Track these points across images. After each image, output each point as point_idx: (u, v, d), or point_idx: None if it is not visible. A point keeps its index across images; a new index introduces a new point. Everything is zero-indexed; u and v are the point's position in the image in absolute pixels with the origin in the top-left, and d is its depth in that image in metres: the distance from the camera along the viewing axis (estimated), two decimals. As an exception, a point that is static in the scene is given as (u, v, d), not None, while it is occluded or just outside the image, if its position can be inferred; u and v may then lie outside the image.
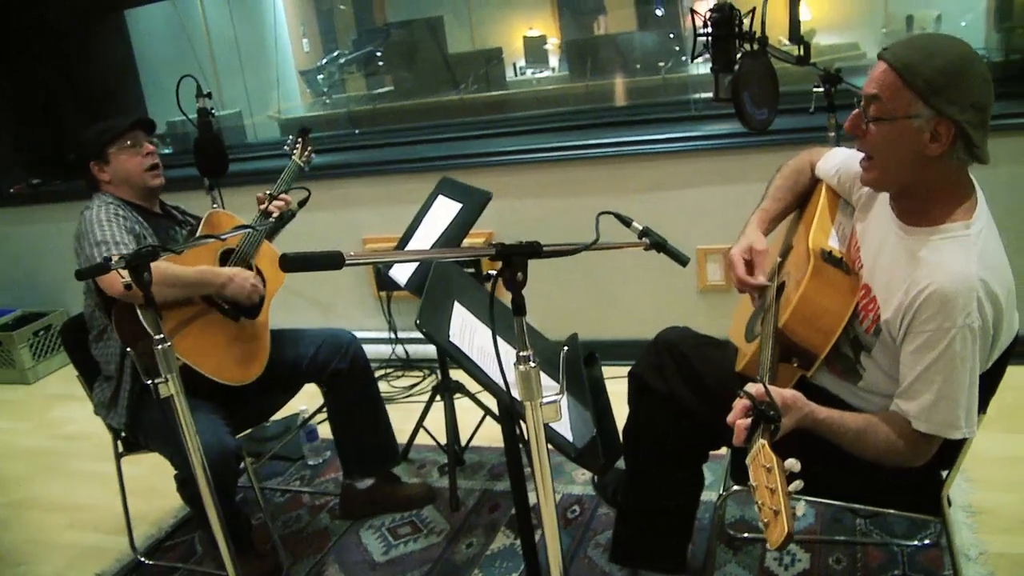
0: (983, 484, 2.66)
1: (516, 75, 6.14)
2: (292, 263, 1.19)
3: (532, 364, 1.42)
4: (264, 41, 5.94)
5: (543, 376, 1.49)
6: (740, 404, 1.50)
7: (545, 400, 1.45)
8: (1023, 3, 3.89)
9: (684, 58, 4.84)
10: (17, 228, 5.10)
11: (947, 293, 1.58)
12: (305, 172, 2.93)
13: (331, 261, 1.25)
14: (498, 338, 1.50)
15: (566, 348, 1.56)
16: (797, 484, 1.24)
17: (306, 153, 2.96)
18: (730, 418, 1.51)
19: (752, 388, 1.51)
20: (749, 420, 1.45)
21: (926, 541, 2.45)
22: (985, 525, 2.51)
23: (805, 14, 5.01)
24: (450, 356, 1.67)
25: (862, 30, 5.13)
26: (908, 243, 1.70)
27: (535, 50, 6.44)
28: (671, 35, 5.04)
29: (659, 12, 5.14)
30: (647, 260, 3.84)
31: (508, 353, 1.53)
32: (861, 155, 1.75)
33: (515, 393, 1.48)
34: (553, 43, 6.26)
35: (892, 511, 1.97)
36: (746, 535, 2.58)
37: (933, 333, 1.60)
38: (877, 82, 1.62)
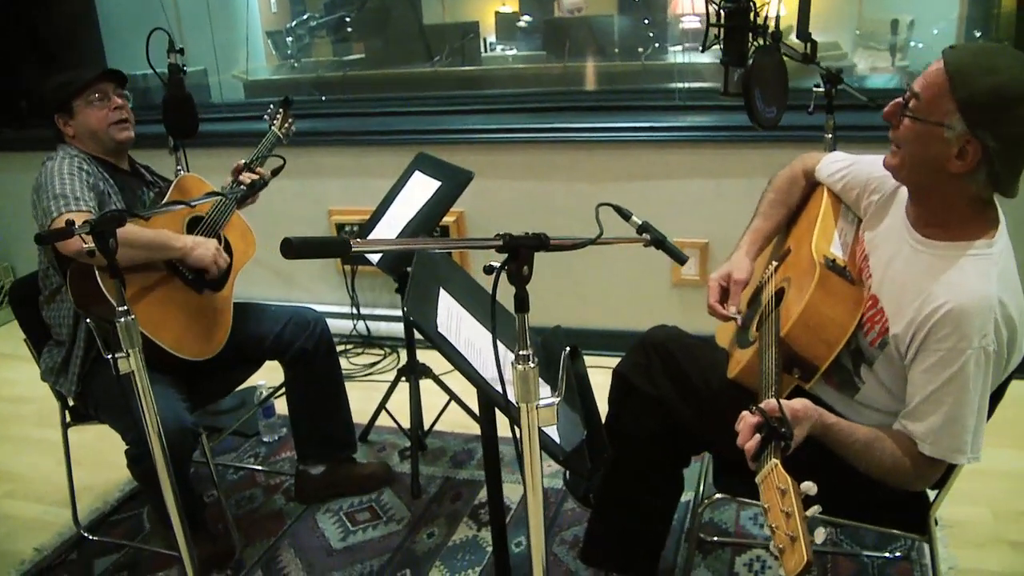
0: (953, 497, 2.58)
1: (487, 51, 6.03)
2: (296, 249, 1.07)
3: (532, 364, 1.33)
4: (234, -2, 5.75)
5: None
6: (750, 422, 1.43)
7: (542, 403, 1.37)
8: (1008, 15, 3.87)
9: (659, 44, 4.78)
10: (-35, 176, 4.87)
11: (965, 312, 1.52)
12: (283, 143, 2.81)
13: (337, 248, 1.14)
14: (481, 329, 1.41)
15: (567, 349, 1.48)
16: (815, 509, 1.17)
17: (287, 124, 2.85)
18: (740, 440, 1.43)
19: (764, 404, 1.44)
20: (759, 438, 1.38)
21: (897, 554, 2.42)
22: (955, 539, 2.50)
23: (782, 10, 4.97)
24: (438, 349, 1.58)
25: (838, 30, 5.11)
26: (924, 256, 1.64)
27: (507, 26, 6.33)
28: (645, 20, 4.97)
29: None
30: (621, 251, 3.79)
31: (501, 350, 1.45)
32: (872, 160, 1.68)
33: (509, 392, 1.39)
34: (526, 19, 6.16)
35: (878, 528, 1.92)
36: (715, 538, 2.53)
37: (947, 352, 1.55)
38: (926, 79, 1.54)
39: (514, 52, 5.85)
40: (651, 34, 4.91)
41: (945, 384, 1.56)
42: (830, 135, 2.51)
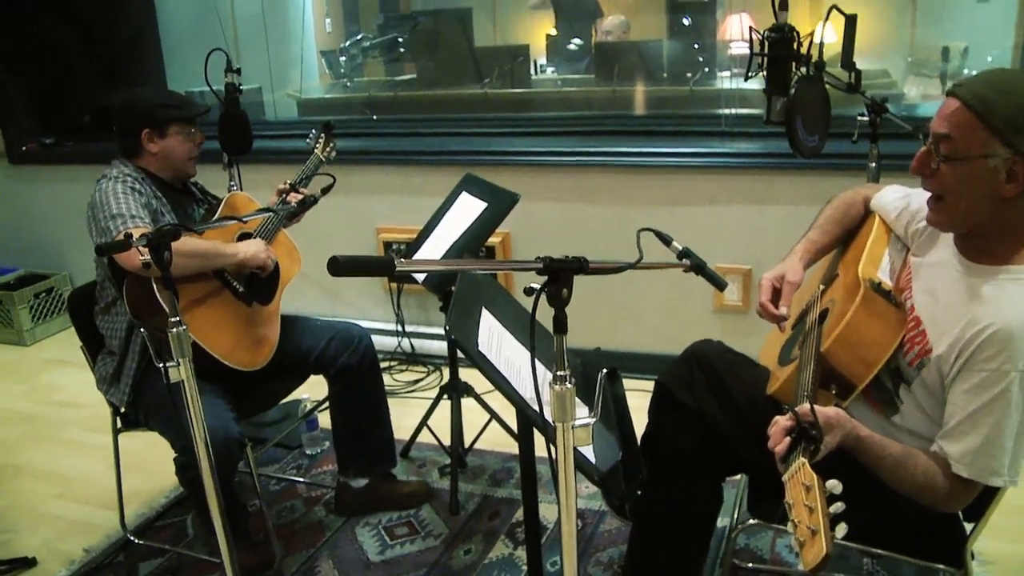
0: (993, 532, 2.58)
1: (536, 73, 6.09)
2: (341, 267, 1.12)
3: (569, 385, 1.36)
4: (287, 17, 5.87)
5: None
6: (783, 424, 1.45)
7: (578, 423, 1.40)
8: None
9: (708, 70, 4.80)
10: (26, 187, 5.02)
11: (1012, 334, 1.53)
12: (325, 165, 2.89)
13: (382, 267, 1.18)
14: (521, 349, 1.44)
15: (604, 371, 1.51)
16: (838, 506, 1.18)
17: (328, 148, 2.92)
18: (771, 443, 1.45)
19: (797, 408, 1.46)
20: (789, 440, 1.41)
21: (935, 587, 2.39)
22: (995, 575, 2.46)
23: (831, 36, 4.97)
24: (478, 367, 1.61)
25: (890, 58, 5.09)
26: (970, 279, 1.65)
27: (557, 49, 6.40)
28: (695, 45, 4.99)
29: (686, 22, 5.09)
30: (664, 275, 3.81)
31: (540, 370, 1.48)
32: (924, 193, 1.69)
33: (546, 412, 1.42)
34: (576, 43, 6.22)
35: (913, 560, 1.91)
36: (750, 565, 2.53)
37: (991, 374, 1.55)
38: (949, 121, 1.57)
39: (564, 76, 5.92)
40: (701, 59, 4.93)
41: (986, 405, 1.56)
42: (874, 164, 2.51)
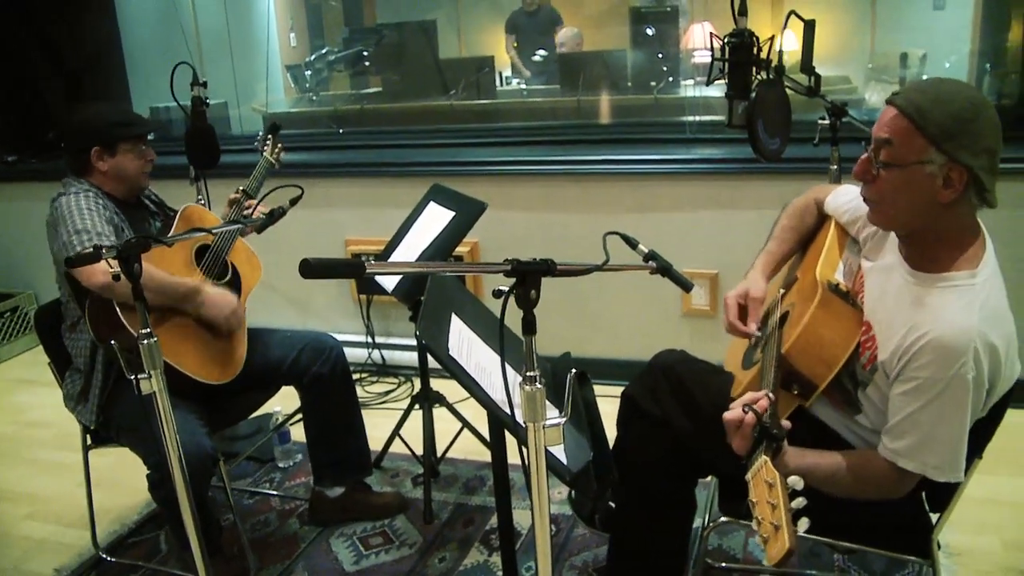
0: (962, 526, 2.65)
1: (503, 85, 6.14)
2: (313, 270, 1.14)
3: (539, 385, 1.38)
4: (251, 32, 5.87)
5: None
6: (748, 422, 1.48)
7: (548, 423, 1.42)
8: (1015, 48, 3.93)
9: (672, 79, 4.86)
10: (-11, 205, 4.98)
11: (944, 343, 1.57)
12: (276, 169, 2.89)
13: (352, 269, 1.20)
14: (491, 355, 1.46)
15: (572, 371, 1.53)
16: (800, 501, 1.22)
17: (276, 150, 2.91)
18: (735, 445, 1.49)
19: (756, 403, 1.49)
20: (751, 437, 1.44)
21: (904, 581, 2.44)
22: (964, 567, 2.51)
23: (792, 43, 5.05)
24: (449, 371, 1.63)
25: (851, 64, 5.19)
26: (913, 288, 1.69)
27: (521, 61, 6.46)
28: (659, 55, 5.05)
29: (649, 32, 5.15)
30: (632, 281, 3.84)
31: (510, 372, 1.50)
32: None
33: (517, 414, 1.44)
34: (541, 54, 6.29)
35: (881, 552, 1.95)
36: (724, 564, 2.56)
37: (924, 381, 1.60)
38: (888, 127, 1.61)
39: (532, 87, 5.97)
40: (665, 68, 4.99)
41: (922, 408, 1.61)
42: (835, 167, 2.56)
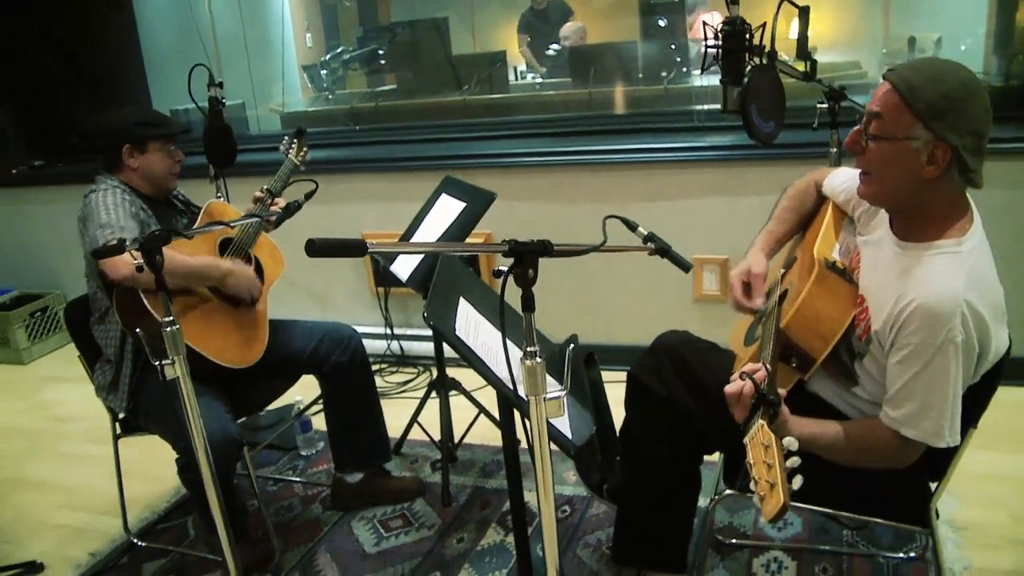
0: (968, 500, 2.71)
1: (516, 79, 6.20)
2: (318, 249, 1.23)
3: (538, 360, 1.46)
4: (268, 33, 5.96)
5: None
6: (747, 392, 1.55)
7: (549, 396, 1.49)
8: (1023, 29, 3.95)
9: (686, 69, 4.91)
10: (18, 209, 5.11)
11: (931, 309, 1.63)
12: (301, 171, 2.97)
13: (354, 249, 1.28)
14: (504, 334, 1.53)
15: (572, 346, 1.60)
16: (794, 460, 1.27)
17: (302, 153, 3.00)
18: (736, 415, 1.55)
19: (755, 372, 1.56)
20: (749, 404, 1.51)
21: (911, 554, 2.49)
22: (970, 541, 2.56)
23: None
24: (456, 350, 1.71)
25: (863, 49, 5.20)
26: (902, 258, 1.75)
27: (534, 55, 6.51)
28: (671, 46, 5.09)
29: (662, 23, 5.19)
30: (643, 267, 3.91)
31: (513, 350, 1.57)
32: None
33: (520, 389, 1.51)
34: (554, 48, 6.34)
35: (880, 520, 2.01)
36: (734, 541, 2.62)
37: (916, 347, 1.66)
38: (880, 101, 1.66)
39: (542, 80, 6.02)
40: (678, 59, 5.04)
41: (916, 375, 1.67)
42: (835, 150, 2.61)
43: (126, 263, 2.26)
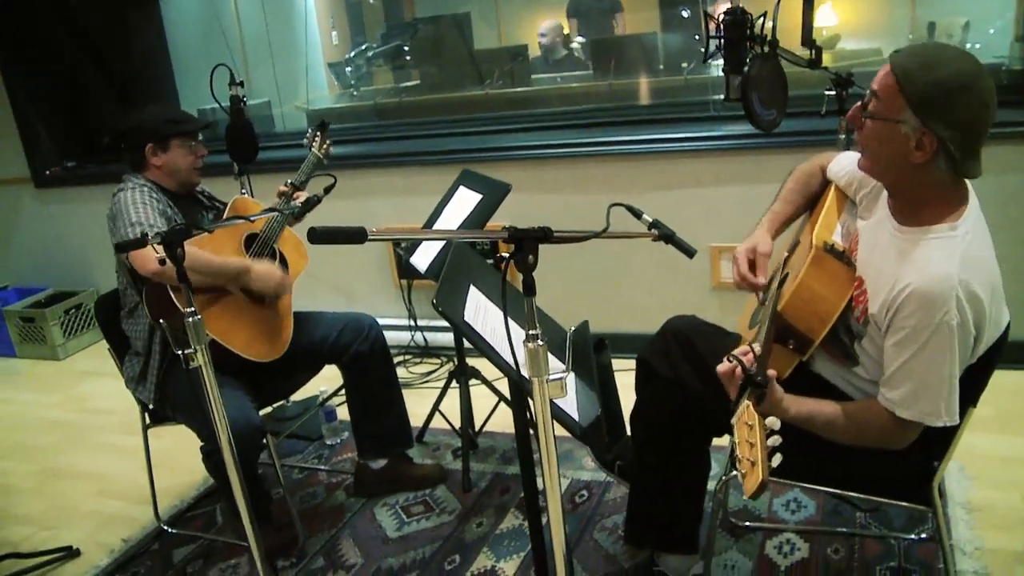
0: (982, 482, 2.73)
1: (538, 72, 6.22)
2: (319, 236, 1.30)
3: (540, 343, 1.51)
4: (294, 32, 6.05)
5: (552, 359, 1.58)
6: (732, 368, 1.60)
7: (552, 377, 1.54)
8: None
9: (706, 60, 4.92)
10: (51, 209, 5.25)
11: (926, 292, 1.66)
12: (324, 164, 3.03)
13: (354, 236, 1.34)
14: (509, 319, 1.58)
15: (572, 329, 1.65)
16: (775, 439, 1.31)
17: (325, 146, 3.05)
18: (731, 394, 1.60)
19: (743, 355, 1.60)
20: (738, 386, 1.55)
21: (923, 535, 2.51)
22: (982, 521, 2.58)
23: (832, 19, 5.07)
24: (464, 335, 1.77)
25: (889, 36, 5.17)
26: (899, 241, 1.78)
27: (560, 48, 6.52)
28: (695, 36, 5.11)
29: (685, 14, 5.21)
30: (660, 255, 3.92)
31: (518, 334, 1.63)
32: None
33: (523, 371, 1.57)
34: (579, 40, 6.35)
35: (884, 500, 2.04)
36: (747, 523, 2.66)
37: (912, 330, 1.69)
38: (879, 81, 1.70)
39: (566, 73, 6.04)
40: (702, 49, 5.04)
41: (912, 357, 1.70)
42: (843, 135, 2.63)
43: (155, 259, 2.34)
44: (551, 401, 1.56)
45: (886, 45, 4.95)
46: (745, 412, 1.42)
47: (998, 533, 2.53)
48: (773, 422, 1.35)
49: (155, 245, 1.97)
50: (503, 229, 1.48)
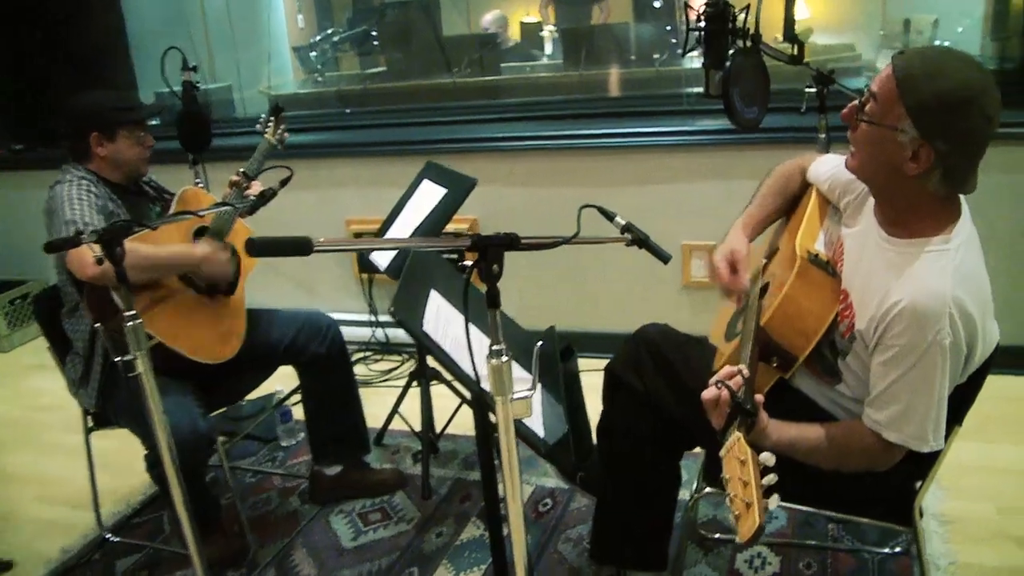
0: (956, 493, 2.66)
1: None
2: (259, 248, 1.15)
3: (504, 358, 1.39)
4: (258, 15, 5.88)
5: (517, 368, 1.47)
6: (717, 396, 1.49)
7: (516, 396, 1.43)
8: (1018, 13, 3.87)
9: (679, 51, 4.82)
10: (-1, 193, 5.04)
11: (919, 309, 1.56)
12: (279, 150, 2.87)
13: (299, 247, 1.21)
14: (473, 330, 1.47)
15: (540, 344, 1.54)
16: (771, 478, 1.22)
17: (279, 131, 2.88)
18: (713, 422, 1.50)
19: (731, 379, 1.50)
20: (725, 413, 1.45)
21: (897, 549, 2.44)
22: (957, 534, 2.51)
23: (803, 13, 5.00)
24: (423, 346, 1.64)
25: (860, 32, 5.12)
26: (887, 253, 1.69)
27: (532, 37, 6.40)
28: (667, 27, 5.01)
29: (657, 4, 5.11)
30: (631, 253, 3.80)
31: (482, 343, 1.51)
32: None
33: (486, 387, 1.45)
34: (549, 30, 6.23)
35: (864, 519, 1.96)
36: (717, 536, 2.57)
37: (902, 348, 1.59)
38: (879, 84, 1.60)
39: (537, 62, 5.92)
40: (674, 40, 4.95)
41: (902, 377, 1.60)
42: (823, 135, 2.54)
43: (91, 262, 2.18)
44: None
45: (860, 41, 4.89)
46: (736, 445, 1.31)
47: (973, 547, 2.47)
48: (768, 458, 1.25)
49: (91, 244, 1.82)
50: (465, 236, 1.36)
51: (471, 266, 1.38)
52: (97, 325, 2.31)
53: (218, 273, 2.56)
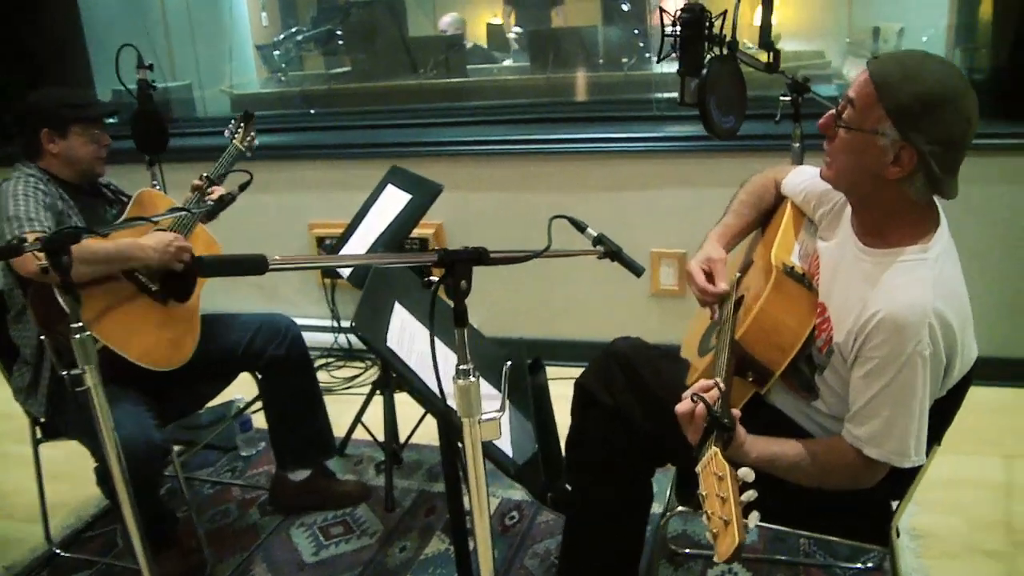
0: (927, 507, 2.63)
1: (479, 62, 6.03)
2: (209, 268, 1.07)
3: (472, 379, 1.33)
4: (220, 11, 5.76)
5: (484, 384, 1.40)
6: (700, 413, 1.44)
7: (485, 417, 1.36)
8: (987, 24, 3.88)
9: (648, 55, 4.79)
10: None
11: (898, 320, 1.52)
12: (247, 157, 2.79)
13: (253, 266, 1.13)
14: (439, 345, 1.40)
15: (509, 363, 1.47)
16: (750, 494, 1.17)
17: (248, 138, 2.81)
18: (689, 436, 1.44)
19: (707, 392, 1.45)
20: (701, 427, 1.40)
21: (869, 565, 2.41)
22: (929, 549, 2.49)
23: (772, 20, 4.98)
24: (386, 362, 1.57)
25: (827, 39, 5.12)
26: (864, 264, 1.65)
27: (498, 39, 6.34)
28: (635, 31, 4.97)
29: (625, 7, 5.06)
30: (599, 261, 3.79)
31: (449, 358, 1.44)
32: None
33: (453, 405, 1.39)
34: (516, 31, 6.17)
35: (840, 539, 1.92)
36: (688, 551, 2.52)
37: (881, 360, 1.55)
38: (856, 89, 1.57)
39: (503, 64, 5.86)
40: (642, 44, 4.92)
41: (883, 390, 1.56)
42: (798, 144, 2.50)
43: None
44: (483, 438, 1.39)
45: (828, 48, 4.89)
46: (713, 460, 1.26)
47: (945, 561, 2.45)
48: (747, 474, 1.20)
49: (35, 253, 1.72)
50: (432, 251, 1.29)
51: (438, 282, 1.31)
52: (42, 337, 2.20)
53: (169, 260, 2.41)
